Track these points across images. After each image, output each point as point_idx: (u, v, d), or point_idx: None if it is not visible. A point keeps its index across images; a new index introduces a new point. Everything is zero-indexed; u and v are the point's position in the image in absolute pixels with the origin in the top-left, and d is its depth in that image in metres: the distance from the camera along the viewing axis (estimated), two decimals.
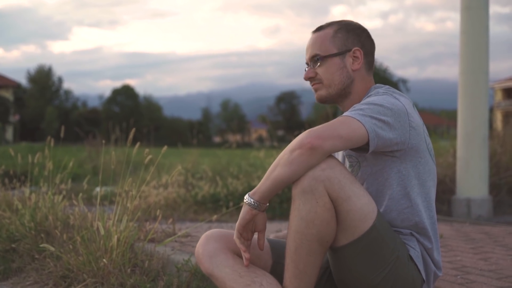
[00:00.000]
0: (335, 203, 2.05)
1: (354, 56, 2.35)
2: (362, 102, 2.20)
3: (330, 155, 2.07)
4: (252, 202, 2.11)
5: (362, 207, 2.07)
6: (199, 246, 2.32)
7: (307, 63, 2.42)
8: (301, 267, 2.09)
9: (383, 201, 2.25)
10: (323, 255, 2.12)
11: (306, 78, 2.41)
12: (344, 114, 2.12)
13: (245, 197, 2.15)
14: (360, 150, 2.15)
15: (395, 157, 2.19)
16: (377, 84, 2.40)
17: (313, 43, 2.38)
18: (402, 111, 2.15)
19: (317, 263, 2.10)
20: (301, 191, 2.05)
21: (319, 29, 2.41)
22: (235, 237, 2.21)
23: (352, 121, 2.06)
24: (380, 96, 2.22)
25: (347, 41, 2.35)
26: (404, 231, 2.25)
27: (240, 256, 2.28)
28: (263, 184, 2.09)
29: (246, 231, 2.20)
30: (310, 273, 2.10)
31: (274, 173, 2.06)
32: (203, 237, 2.35)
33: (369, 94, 2.31)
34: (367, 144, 2.07)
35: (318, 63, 2.35)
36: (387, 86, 2.35)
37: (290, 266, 2.11)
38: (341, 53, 2.34)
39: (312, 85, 2.42)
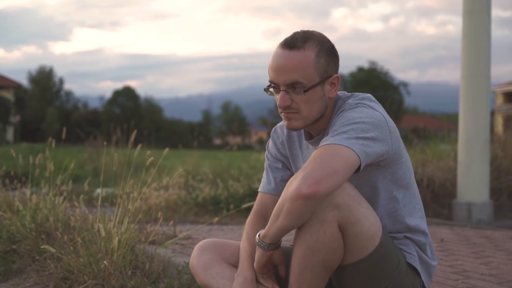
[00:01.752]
0: (344, 228, 2.00)
1: (331, 83, 2.17)
2: (340, 121, 2.06)
3: None
4: (266, 246, 2.08)
5: (370, 228, 2.03)
6: (193, 258, 2.32)
7: (275, 84, 2.15)
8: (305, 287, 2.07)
9: (374, 209, 2.21)
10: (327, 278, 2.09)
11: (283, 107, 2.13)
12: (328, 141, 1.98)
13: (256, 239, 2.10)
14: None
15: (379, 165, 2.15)
16: (342, 95, 2.26)
17: (293, 67, 2.08)
18: (381, 121, 2.07)
19: (320, 285, 2.08)
20: (309, 221, 1.99)
21: (294, 45, 2.10)
22: (258, 278, 2.18)
23: (342, 149, 1.94)
24: (356, 109, 2.10)
25: (328, 67, 2.14)
26: (398, 235, 2.24)
27: (235, 267, 2.28)
28: (270, 229, 2.03)
29: (265, 268, 2.17)
30: None
31: (277, 222, 1.99)
32: (196, 249, 2.34)
33: (342, 109, 2.17)
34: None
35: (302, 93, 2.10)
36: (355, 95, 2.23)
37: (294, 285, 2.09)
38: (322, 82, 2.14)
39: (284, 113, 2.16)
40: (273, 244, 2.08)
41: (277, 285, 2.20)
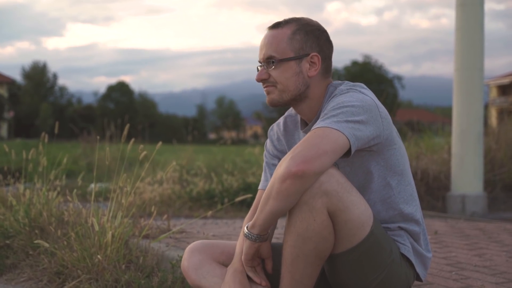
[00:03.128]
0: (333, 215, 2.00)
1: (311, 62, 2.22)
2: (331, 106, 2.09)
3: None
4: (253, 237, 2.08)
5: (360, 216, 2.03)
6: (184, 260, 2.33)
7: (260, 62, 2.28)
8: (298, 277, 2.07)
9: (366, 195, 2.22)
10: (320, 266, 2.09)
11: (259, 80, 2.26)
12: (318, 125, 2.02)
13: (244, 231, 2.11)
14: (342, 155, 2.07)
15: (372, 151, 2.15)
16: (334, 82, 2.30)
17: (269, 42, 2.21)
18: (372, 105, 2.09)
19: (313, 274, 2.08)
20: (298, 207, 2.00)
21: (275, 25, 2.24)
22: (246, 271, 2.18)
23: (331, 131, 1.96)
24: (346, 94, 2.13)
25: (305, 44, 2.21)
26: (392, 226, 2.24)
27: (225, 265, 2.29)
28: (259, 217, 2.03)
29: (253, 261, 2.17)
30: (307, 284, 2.09)
31: (267, 206, 1.99)
32: (187, 251, 2.35)
33: (333, 94, 2.21)
34: (349, 149, 2.01)
35: (273, 66, 2.21)
36: (346, 82, 2.27)
37: (286, 276, 2.09)
38: (298, 58, 2.20)
39: (264, 87, 2.27)
40: (261, 236, 2.07)
41: (266, 280, 2.19)
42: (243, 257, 2.15)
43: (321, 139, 1.95)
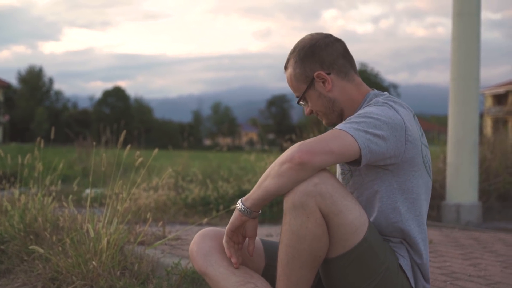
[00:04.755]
0: (327, 217, 2.02)
1: (320, 80, 2.31)
2: (358, 112, 2.15)
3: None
4: (243, 209, 2.11)
5: (353, 221, 2.05)
6: (194, 244, 2.32)
7: None
8: (293, 280, 2.08)
9: (372, 212, 2.23)
10: (315, 269, 2.10)
11: (308, 115, 2.44)
12: (338, 126, 2.08)
13: (237, 202, 2.14)
14: (352, 163, 2.11)
15: (387, 170, 2.16)
16: (376, 91, 2.34)
17: (289, 85, 2.41)
18: (399, 125, 2.10)
19: (309, 276, 2.09)
20: (292, 206, 2.03)
21: (285, 69, 2.42)
22: (224, 241, 2.21)
23: (345, 135, 2.01)
24: (378, 107, 2.16)
25: (306, 71, 2.32)
26: (394, 239, 2.24)
27: (235, 256, 2.29)
28: (255, 192, 2.08)
29: (236, 235, 2.20)
30: (302, 286, 2.09)
31: (264, 183, 2.05)
32: (197, 235, 2.34)
33: (368, 103, 2.26)
34: (360, 158, 2.04)
35: (303, 102, 2.39)
36: (387, 95, 2.30)
37: (282, 278, 2.10)
38: (310, 86, 2.33)
39: (317, 116, 2.44)
40: (251, 211, 2.11)
41: (237, 259, 2.22)
42: (227, 227, 2.18)
43: (333, 138, 2.01)
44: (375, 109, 2.14)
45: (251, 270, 2.28)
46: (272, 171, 2.03)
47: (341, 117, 2.35)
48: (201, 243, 2.30)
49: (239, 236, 2.20)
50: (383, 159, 2.09)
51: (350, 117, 2.14)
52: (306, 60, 2.31)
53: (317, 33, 2.37)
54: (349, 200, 2.06)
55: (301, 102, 2.40)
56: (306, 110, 2.41)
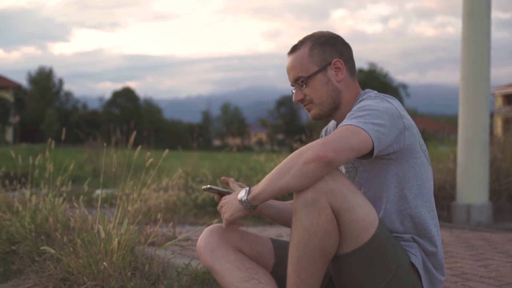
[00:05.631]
0: (338, 214, 2.04)
1: (335, 68, 2.35)
2: (356, 107, 2.19)
3: None
4: (248, 206, 2.15)
5: (364, 217, 2.07)
6: (201, 239, 2.34)
7: (292, 85, 2.41)
8: (303, 277, 2.09)
9: (381, 205, 2.25)
10: (325, 266, 2.11)
11: (296, 101, 2.39)
12: (346, 123, 2.10)
13: (241, 198, 2.16)
14: (364, 156, 2.14)
15: (391, 159, 2.20)
16: (366, 90, 2.40)
17: (293, 65, 2.37)
18: (395, 114, 2.16)
19: (319, 273, 2.10)
20: (304, 203, 2.04)
21: (293, 49, 2.39)
22: (224, 226, 2.27)
23: (359, 130, 2.04)
24: (372, 100, 2.22)
25: (325, 54, 2.34)
26: (406, 236, 2.25)
27: (242, 251, 2.33)
28: (266, 190, 2.09)
29: (235, 223, 2.33)
30: (312, 283, 2.10)
31: (281, 181, 2.04)
32: (205, 231, 2.37)
33: (360, 99, 2.31)
34: (372, 150, 2.07)
35: (304, 85, 2.34)
36: (376, 92, 2.36)
37: (292, 276, 2.11)
38: (323, 69, 2.33)
39: (303, 106, 2.41)
40: (255, 207, 2.15)
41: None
42: (228, 217, 2.22)
43: (351, 134, 2.03)
44: (370, 101, 2.19)
45: (258, 266, 2.31)
46: (293, 170, 2.01)
47: (333, 112, 2.38)
48: (209, 238, 2.32)
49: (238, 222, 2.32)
50: (387, 147, 2.13)
51: (350, 113, 2.17)
52: (327, 45, 2.35)
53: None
54: (359, 197, 2.09)
55: (297, 86, 2.36)
56: (298, 95, 2.37)
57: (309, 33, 2.45)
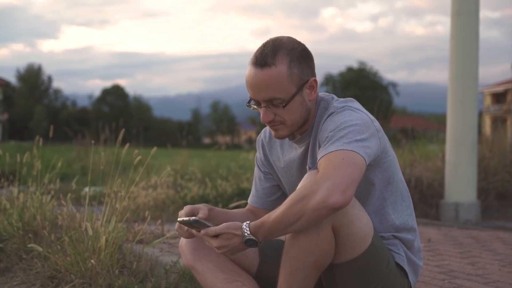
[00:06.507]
0: (337, 230, 2.01)
1: (310, 86, 2.16)
2: (333, 126, 2.07)
3: None
4: (255, 244, 2.00)
5: (362, 228, 2.04)
6: (183, 239, 2.31)
7: (255, 101, 2.17)
8: None
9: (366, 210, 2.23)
10: (317, 277, 2.10)
11: (266, 122, 2.17)
12: (332, 148, 1.98)
13: (246, 235, 1.99)
14: None
15: (371, 165, 2.14)
16: (323, 95, 2.27)
17: (267, 84, 2.09)
18: (369, 122, 2.10)
19: (310, 284, 2.09)
20: None
21: (266, 64, 2.09)
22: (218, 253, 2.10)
23: (354, 156, 1.95)
24: (343, 113, 2.11)
25: (302, 73, 2.13)
26: (386, 235, 2.25)
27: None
28: (273, 234, 1.97)
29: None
30: None
31: (290, 228, 1.94)
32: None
33: (328, 112, 2.17)
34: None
35: (282, 108, 2.12)
36: (335, 97, 2.26)
37: (283, 286, 2.08)
38: (300, 90, 2.13)
39: (271, 126, 2.20)
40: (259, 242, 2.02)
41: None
42: (225, 251, 2.03)
43: (347, 166, 1.92)
44: (343, 117, 2.09)
45: (240, 269, 2.27)
46: (303, 220, 1.90)
47: (299, 129, 2.23)
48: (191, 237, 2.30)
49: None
50: (374, 158, 2.09)
51: (328, 134, 2.06)
52: (303, 62, 2.14)
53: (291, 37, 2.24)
54: (357, 208, 2.05)
55: (270, 106, 2.13)
56: (269, 116, 2.15)
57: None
